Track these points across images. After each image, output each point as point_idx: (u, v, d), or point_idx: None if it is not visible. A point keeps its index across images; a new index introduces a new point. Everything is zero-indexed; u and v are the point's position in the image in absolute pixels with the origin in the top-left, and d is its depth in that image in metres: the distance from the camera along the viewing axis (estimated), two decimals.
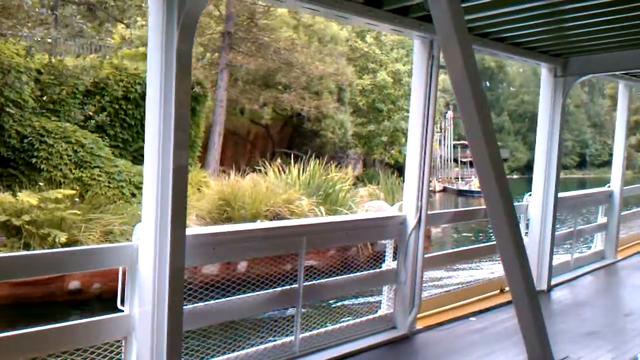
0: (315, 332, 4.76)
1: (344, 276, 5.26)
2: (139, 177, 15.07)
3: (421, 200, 5.15)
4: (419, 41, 5.03)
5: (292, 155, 28.60)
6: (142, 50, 21.31)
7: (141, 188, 3.71)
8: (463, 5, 4.10)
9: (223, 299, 4.23)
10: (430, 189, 40.37)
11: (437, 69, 5.04)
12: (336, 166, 33.47)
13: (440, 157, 53.30)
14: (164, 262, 3.41)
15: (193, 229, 4.04)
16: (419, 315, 5.41)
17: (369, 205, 16.35)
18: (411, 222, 5.17)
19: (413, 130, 5.17)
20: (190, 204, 12.84)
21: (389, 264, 5.31)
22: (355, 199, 16.37)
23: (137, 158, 17.92)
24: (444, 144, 54.79)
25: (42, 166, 14.68)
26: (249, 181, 15.43)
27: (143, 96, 18.15)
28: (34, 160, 14.67)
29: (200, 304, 4.05)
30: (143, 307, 3.46)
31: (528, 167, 69.89)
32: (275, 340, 4.52)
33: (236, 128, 27.15)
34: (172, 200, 3.37)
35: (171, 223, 3.38)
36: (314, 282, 4.83)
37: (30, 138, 14.86)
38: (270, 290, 4.50)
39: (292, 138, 30.84)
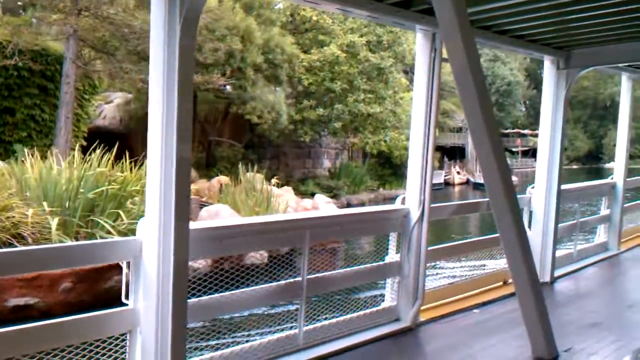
0: (319, 324, 4.72)
1: (348, 269, 5.24)
2: None
3: (424, 193, 5.10)
4: (422, 34, 4.97)
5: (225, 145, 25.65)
6: None
7: None
8: None
9: (227, 292, 4.19)
10: (447, 181, 39.06)
11: (439, 62, 4.98)
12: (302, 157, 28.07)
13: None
14: (168, 256, 3.38)
15: (197, 222, 4.00)
16: (422, 308, 5.37)
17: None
18: (414, 215, 5.12)
19: (416, 123, 5.11)
20: None
21: (392, 256, 5.26)
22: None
23: None
24: None
25: None
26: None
27: None
28: None
29: (205, 297, 4.02)
30: (147, 301, 3.44)
31: (589, 157, 69.18)
32: (279, 333, 4.47)
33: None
34: (175, 194, 3.34)
35: (175, 217, 3.35)
36: (318, 274, 4.80)
37: None
38: (275, 283, 4.47)
39: (232, 125, 26.83)
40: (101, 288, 9.82)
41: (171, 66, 3.29)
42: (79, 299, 9.73)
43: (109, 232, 10.38)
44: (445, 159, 48.74)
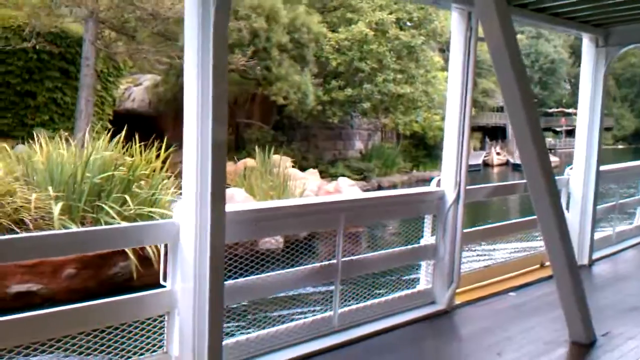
0: (354, 306, 4.90)
1: (383, 251, 5.39)
2: None
3: (460, 175, 5.23)
4: (457, 13, 5.08)
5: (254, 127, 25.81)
6: None
7: None
8: None
9: (263, 275, 4.39)
10: (486, 162, 38.51)
11: (475, 41, 5.09)
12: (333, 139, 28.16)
13: None
14: (205, 238, 3.55)
15: (234, 205, 4.16)
16: (458, 291, 5.52)
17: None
18: (450, 197, 5.26)
19: (451, 103, 5.24)
20: None
21: (427, 239, 5.40)
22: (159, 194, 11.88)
23: None
24: None
25: None
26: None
27: None
28: None
29: (241, 279, 4.21)
30: (185, 283, 3.63)
31: (635, 136, 67.90)
32: (314, 315, 4.65)
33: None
34: (211, 177, 3.49)
35: (211, 199, 3.51)
36: (353, 257, 4.97)
37: None
38: (310, 266, 4.67)
39: (260, 107, 26.92)
40: (106, 274, 10.06)
41: (205, 49, 3.44)
42: (83, 285, 9.92)
43: (113, 218, 10.52)
44: (487, 140, 48.46)
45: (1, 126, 17.98)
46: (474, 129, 46.97)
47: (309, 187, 17.34)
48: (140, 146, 12.17)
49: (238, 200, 13.63)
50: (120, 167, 11.36)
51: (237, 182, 16.36)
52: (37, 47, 17.34)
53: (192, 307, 3.60)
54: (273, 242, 11.06)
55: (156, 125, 24.27)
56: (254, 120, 26.36)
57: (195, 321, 3.61)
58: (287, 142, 27.10)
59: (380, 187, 28.05)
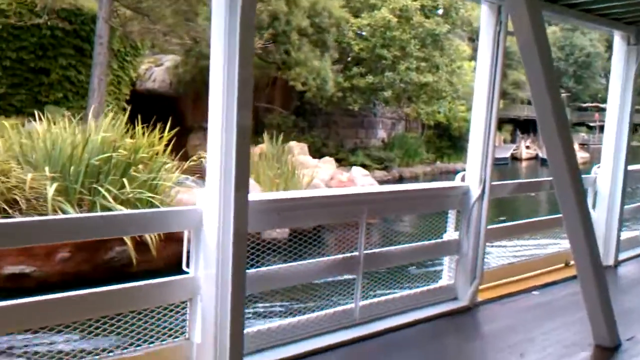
0: (375, 300, 5.02)
1: (405, 245, 5.49)
2: None
3: (485, 171, 5.33)
4: (487, 6, 5.17)
5: (275, 112, 25.79)
6: None
7: None
8: None
9: (285, 264, 4.53)
10: (515, 155, 38.09)
11: (505, 35, 5.17)
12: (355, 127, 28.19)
13: None
14: (228, 226, 3.65)
15: (256, 194, 4.27)
16: (480, 287, 5.62)
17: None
18: (474, 193, 5.37)
19: (478, 98, 5.33)
20: None
21: (450, 234, 5.51)
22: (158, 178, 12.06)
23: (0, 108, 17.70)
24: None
25: None
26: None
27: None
28: None
29: (263, 268, 4.34)
30: (208, 270, 3.74)
31: None
32: (335, 307, 4.77)
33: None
34: (235, 163, 3.57)
35: (235, 186, 3.60)
36: (375, 250, 5.09)
37: None
38: (332, 257, 4.78)
39: (280, 92, 27.03)
40: (101, 259, 10.26)
41: (232, 33, 3.52)
42: (77, 269, 10.13)
43: (109, 202, 10.70)
44: (518, 132, 48.19)
45: (15, 102, 18.33)
46: (505, 121, 46.83)
47: (320, 176, 17.45)
48: (144, 127, 12.37)
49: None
50: (121, 150, 11.47)
51: None
52: (50, 23, 17.65)
53: (215, 295, 3.71)
54: (278, 231, 10.93)
55: (176, 106, 24.77)
56: (274, 105, 26.52)
57: (218, 308, 3.72)
58: (307, 128, 27.27)
59: (401, 178, 28.18)
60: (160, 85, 25.83)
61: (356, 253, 4.78)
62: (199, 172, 16.33)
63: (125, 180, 11.15)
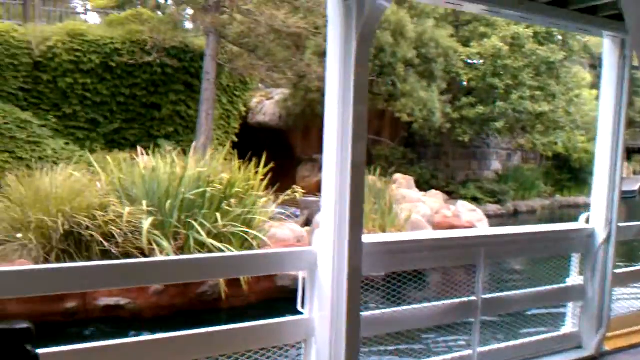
0: (495, 346, 4.98)
1: (526, 290, 5.40)
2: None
3: (612, 211, 5.20)
4: (610, 40, 5.10)
5: (384, 144, 25.93)
6: (115, 17, 21.33)
7: None
8: None
9: (400, 308, 4.57)
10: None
11: (629, 68, 5.08)
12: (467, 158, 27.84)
13: None
14: (342, 267, 3.74)
15: (368, 236, 4.35)
16: (608, 335, 5.46)
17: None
18: (600, 236, 5.24)
19: (603, 133, 5.23)
20: None
21: (574, 279, 5.39)
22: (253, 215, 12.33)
23: (115, 142, 18.69)
24: None
25: None
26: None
27: (104, 67, 18.88)
28: None
29: (378, 311, 4.41)
30: (322, 312, 3.84)
31: None
32: (453, 353, 4.76)
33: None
34: (350, 202, 3.66)
35: (349, 227, 3.69)
36: (493, 295, 5.05)
37: None
38: (449, 302, 4.80)
39: (388, 123, 26.95)
40: (193, 293, 10.58)
41: (347, 69, 3.67)
42: (170, 302, 10.53)
43: (201, 235, 11.04)
44: None
45: (129, 136, 19.36)
46: (634, 150, 45.01)
47: (422, 212, 17.27)
48: (249, 160, 12.87)
49: None
50: (216, 184, 11.90)
51: None
52: (161, 61, 18.69)
53: (329, 337, 3.79)
54: None
55: (286, 138, 25.63)
56: (382, 137, 26.72)
57: (332, 351, 3.80)
58: (416, 159, 27.21)
59: (516, 212, 27.57)
60: (271, 118, 26.59)
61: (474, 297, 4.77)
62: (295, 205, 16.72)
63: (218, 214, 11.50)
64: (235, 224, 11.63)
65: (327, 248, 3.79)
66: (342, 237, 3.72)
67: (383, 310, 4.44)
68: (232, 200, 12.02)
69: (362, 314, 3.94)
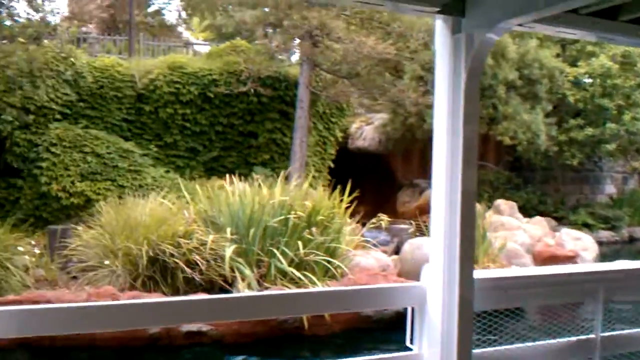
0: None
1: None
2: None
3: None
4: None
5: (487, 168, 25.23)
6: (214, 49, 21.93)
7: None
8: None
9: (513, 345, 4.39)
10: None
11: None
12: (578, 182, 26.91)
13: None
14: (453, 304, 3.68)
15: (479, 271, 4.18)
16: None
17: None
18: None
19: None
20: None
21: None
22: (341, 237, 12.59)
23: (213, 169, 19.22)
24: None
25: (42, 178, 16.56)
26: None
27: (203, 98, 19.55)
28: (35, 171, 16.78)
29: (490, 348, 4.25)
30: (432, 349, 3.78)
31: None
32: None
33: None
34: (459, 233, 3.58)
35: (459, 261, 3.61)
36: (614, 332, 4.78)
37: (39, 147, 16.94)
38: (565, 339, 4.57)
39: (491, 147, 26.47)
40: (275, 321, 10.61)
41: (456, 105, 3.61)
42: (252, 330, 10.64)
43: (282, 264, 11.25)
44: None
45: (227, 164, 19.98)
46: None
47: (520, 240, 16.69)
48: (331, 188, 13.16)
49: (425, 251, 13.40)
50: (299, 212, 12.09)
51: None
52: (257, 90, 19.23)
53: None
54: None
55: (387, 163, 25.71)
56: (486, 161, 26.20)
57: None
58: (522, 184, 26.48)
59: (631, 239, 26.18)
60: (370, 143, 26.65)
61: (592, 335, 4.54)
62: (387, 231, 16.58)
63: (300, 242, 11.67)
64: (317, 252, 11.74)
65: (436, 283, 3.74)
66: (452, 272, 3.66)
67: (495, 348, 4.28)
68: (314, 229, 12.17)
69: (473, 351, 3.85)
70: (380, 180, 25.89)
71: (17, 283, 11.89)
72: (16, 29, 16.45)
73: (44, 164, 16.99)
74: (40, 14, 17.40)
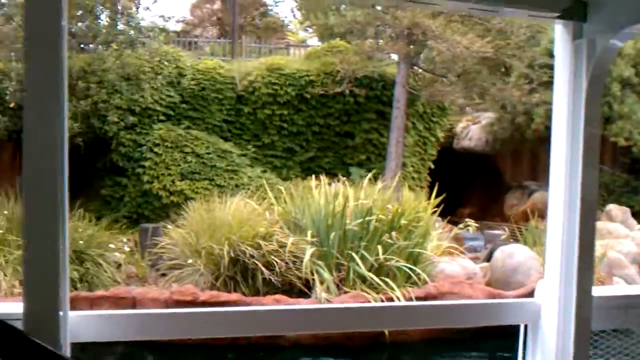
0: None
1: None
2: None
3: None
4: None
5: (604, 170, 23.75)
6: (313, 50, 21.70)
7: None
8: None
9: None
10: None
11: None
12: None
13: None
14: (569, 323, 3.49)
15: (598, 288, 3.88)
16: None
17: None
18: None
19: None
20: None
21: None
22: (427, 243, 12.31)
23: (310, 169, 18.93)
24: None
25: (145, 177, 17.27)
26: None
27: (300, 99, 19.53)
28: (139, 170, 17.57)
29: None
30: None
31: None
32: None
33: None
34: (578, 244, 3.37)
35: (577, 276, 3.40)
36: None
37: (143, 147, 17.73)
38: None
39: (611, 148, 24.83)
40: None
41: (576, 112, 3.41)
42: (328, 334, 10.31)
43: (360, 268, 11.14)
44: None
45: (324, 164, 20.09)
46: None
47: (625, 249, 15.74)
48: (422, 190, 12.58)
49: (519, 260, 13.08)
50: (381, 215, 11.98)
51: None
52: (352, 90, 19.23)
53: None
54: None
55: (494, 164, 25.02)
56: (602, 163, 25.05)
57: None
58: None
59: None
60: (477, 143, 26.04)
61: None
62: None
63: (379, 247, 11.52)
64: (398, 257, 11.60)
65: (552, 300, 3.55)
66: (569, 287, 3.44)
67: None
68: (394, 233, 11.98)
69: None
70: (488, 182, 25.23)
71: (108, 279, 12.46)
72: (110, 36, 17.20)
73: (146, 163, 17.81)
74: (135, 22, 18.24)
